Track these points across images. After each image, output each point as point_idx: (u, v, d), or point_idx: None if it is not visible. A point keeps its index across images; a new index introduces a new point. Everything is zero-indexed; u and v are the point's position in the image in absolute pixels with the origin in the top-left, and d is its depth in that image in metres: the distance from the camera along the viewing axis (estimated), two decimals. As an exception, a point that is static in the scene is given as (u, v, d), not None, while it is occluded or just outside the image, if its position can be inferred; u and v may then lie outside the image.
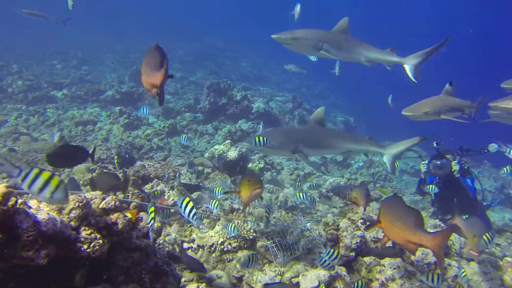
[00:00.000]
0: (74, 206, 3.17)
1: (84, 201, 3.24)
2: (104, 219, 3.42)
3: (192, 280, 4.78)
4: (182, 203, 3.93)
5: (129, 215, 3.81)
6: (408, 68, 7.16)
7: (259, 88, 20.18)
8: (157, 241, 5.28)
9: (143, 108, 8.34)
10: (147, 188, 6.85)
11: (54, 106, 15.03)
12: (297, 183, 8.50)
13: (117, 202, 3.54)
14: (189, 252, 5.98)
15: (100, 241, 3.17)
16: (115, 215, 3.51)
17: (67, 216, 3.14)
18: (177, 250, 5.82)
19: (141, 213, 3.96)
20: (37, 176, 2.63)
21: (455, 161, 7.82)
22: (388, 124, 22.23)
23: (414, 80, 7.16)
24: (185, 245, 6.08)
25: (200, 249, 5.97)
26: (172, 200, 6.42)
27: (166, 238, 5.90)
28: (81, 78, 18.86)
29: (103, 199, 3.57)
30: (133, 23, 36.54)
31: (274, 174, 10.67)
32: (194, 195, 8.08)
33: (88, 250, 3.07)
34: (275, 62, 30.46)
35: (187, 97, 16.70)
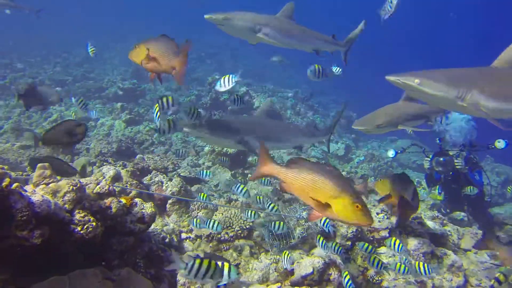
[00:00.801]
0: (68, 190, 3.24)
1: (78, 185, 3.31)
2: (98, 203, 3.49)
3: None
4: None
5: (123, 200, 3.88)
6: (342, 53, 7.10)
7: (261, 84, 20.23)
8: (152, 228, 5.34)
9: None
10: (146, 179, 6.92)
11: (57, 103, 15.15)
12: None
13: (111, 187, 3.61)
14: (187, 242, 6.05)
15: (94, 223, 3.24)
16: (109, 199, 3.58)
17: (61, 199, 3.21)
18: (175, 239, 5.90)
19: (136, 199, 4.03)
20: (200, 266, 3.18)
21: (459, 158, 7.84)
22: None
23: (345, 63, 7.12)
24: (183, 235, 6.15)
25: (198, 239, 6.03)
26: (170, 190, 6.49)
27: (164, 228, 5.97)
28: (84, 76, 18.98)
29: (98, 183, 3.63)
30: (134, 23, 36.59)
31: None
32: (194, 187, 8.16)
33: (81, 232, 3.14)
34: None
35: (188, 94, 16.77)
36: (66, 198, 3.22)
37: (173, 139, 12.63)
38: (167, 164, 7.78)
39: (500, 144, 7.35)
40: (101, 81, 17.80)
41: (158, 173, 7.07)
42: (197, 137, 5.98)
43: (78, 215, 3.22)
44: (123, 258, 3.73)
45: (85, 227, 3.16)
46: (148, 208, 3.96)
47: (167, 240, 5.64)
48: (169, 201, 6.38)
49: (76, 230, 3.13)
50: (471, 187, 7.52)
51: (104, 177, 6.13)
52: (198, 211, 6.30)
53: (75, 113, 13.86)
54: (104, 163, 8.01)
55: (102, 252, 3.66)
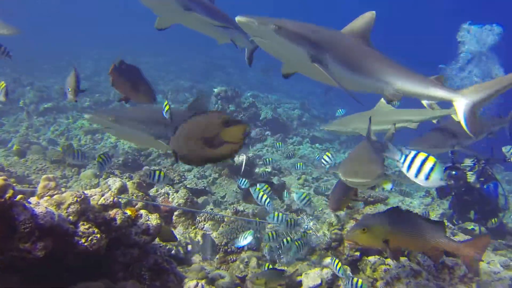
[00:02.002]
0: (73, 201, 3.21)
1: (82, 196, 3.28)
2: (103, 215, 3.46)
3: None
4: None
5: (128, 212, 3.85)
6: (248, 48, 5.80)
7: (267, 95, 20.23)
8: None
9: None
10: (152, 191, 6.88)
11: (64, 116, 15.28)
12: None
13: (115, 198, 3.58)
14: (195, 256, 6.00)
15: (98, 235, 3.20)
16: (114, 211, 3.54)
17: (65, 211, 3.18)
18: (182, 252, 5.84)
19: (142, 211, 3.99)
20: None
21: (471, 172, 7.74)
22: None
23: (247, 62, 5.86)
24: (190, 247, 6.09)
25: (205, 251, 5.97)
26: (177, 202, 6.44)
27: (170, 240, 5.92)
28: (91, 89, 19.12)
29: (103, 195, 3.60)
30: (142, 36, 36.77)
31: (282, 178, 10.67)
32: (200, 199, 8.11)
33: (85, 244, 3.10)
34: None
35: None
36: (70, 209, 3.19)
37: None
38: (173, 176, 7.75)
39: None
40: (108, 94, 17.91)
41: (164, 185, 7.03)
42: (103, 126, 4.87)
43: (83, 227, 3.19)
44: (128, 270, 3.69)
45: (89, 239, 3.13)
46: (153, 219, 3.92)
47: (173, 252, 5.59)
48: (175, 213, 6.33)
49: (80, 242, 3.10)
50: (495, 219, 7.32)
51: (110, 189, 6.11)
52: (205, 223, 6.24)
53: (82, 125, 13.93)
54: (111, 175, 7.99)
55: (107, 264, 3.62)
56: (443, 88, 4.54)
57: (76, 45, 28.40)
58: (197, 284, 3.81)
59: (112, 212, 3.53)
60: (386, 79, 4.41)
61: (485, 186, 7.94)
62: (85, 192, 3.59)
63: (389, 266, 5.59)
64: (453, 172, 7.75)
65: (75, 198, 3.23)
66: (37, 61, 24.74)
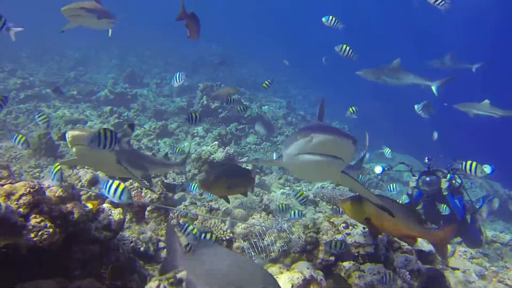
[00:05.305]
0: (25, 192, 3.00)
1: (36, 187, 3.07)
2: (59, 208, 3.24)
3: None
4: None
5: (89, 205, 3.65)
6: None
7: (254, 93, 20.05)
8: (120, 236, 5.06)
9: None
10: (126, 184, 6.65)
11: (45, 105, 14.90)
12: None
13: (74, 190, 3.37)
14: (165, 251, 5.80)
15: (50, 230, 2.99)
16: (71, 204, 3.33)
17: (15, 202, 2.96)
18: (152, 249, 5.64)
19: (104, 205, 3.78)
20: None
21: (445, 179, 7.64)
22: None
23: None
24: (161, 244, 5.89)
25: (176, 249, 5.77)
26: (149, 197, 6.23)
27: (141, 236, 5.71)
28: (76, 78, 18.73)
29: (62, 187, 3.39)
30: (131, 27, 36.08)
31: (263, 177, 10.50)
32: (177, 195, 7.92)
33: (35, 239, 2.89)
34: (275, 71, 30.79)
35: (180, 100, 16.56)
36: (21, 201, 2.97)
37: (160, 145, 12.40)
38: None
39: (486, 169, 7.20)
40: (93, 84, 17.57)
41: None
42: None
43: (34, 220, 2.97)
44: (86, 268, 3.48)
45: (39, 233, 2.91)
46: (115, 214, 3.72)
47: (142, 249, 5.39)
48: (148, 208, 6.13)
49: (30, 236, 2.88)
50: (445, 205, 7.28)
51: (80, 181, 5.89)
52: (178, 220, 6.05)
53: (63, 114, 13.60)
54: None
55: (64, 261, 3.41)
56: None
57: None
58: (159, 285, 3.62)
59: (69, 205, 3.32)
60: None
61: (455, 200, 7.77)
62: (43, 183, 3.38)
63: (364, 272, 5.46)
64: (427, 178, 7.64)
65: (28, 189, 3.01)
66: (24, 50, 24.14)
